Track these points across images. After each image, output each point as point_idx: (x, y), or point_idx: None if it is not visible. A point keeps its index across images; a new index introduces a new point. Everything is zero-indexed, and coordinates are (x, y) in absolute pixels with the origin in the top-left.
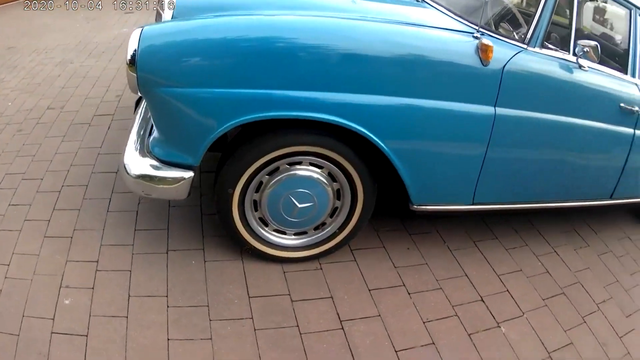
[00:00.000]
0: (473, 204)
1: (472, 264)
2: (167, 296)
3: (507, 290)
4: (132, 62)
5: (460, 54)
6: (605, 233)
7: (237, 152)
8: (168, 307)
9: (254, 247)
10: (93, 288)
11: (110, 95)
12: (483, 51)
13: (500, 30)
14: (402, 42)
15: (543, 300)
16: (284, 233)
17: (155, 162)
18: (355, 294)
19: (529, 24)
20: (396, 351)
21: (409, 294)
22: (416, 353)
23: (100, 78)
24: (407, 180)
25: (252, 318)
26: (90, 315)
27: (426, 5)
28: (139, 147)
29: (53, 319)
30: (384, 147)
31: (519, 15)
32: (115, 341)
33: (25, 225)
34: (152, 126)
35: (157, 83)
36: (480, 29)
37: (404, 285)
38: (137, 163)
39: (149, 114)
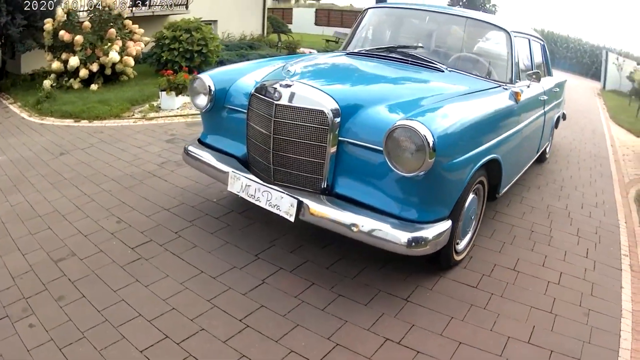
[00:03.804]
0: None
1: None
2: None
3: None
4: (432, 148)
5: (508, 101)
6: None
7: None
8: None
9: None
10: None
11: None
12: (517, 95)
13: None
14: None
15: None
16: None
17: (420, 225)
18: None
19: (505, 69)
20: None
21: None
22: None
23: (90, 207)
24: (503, 177)
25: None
26: None
27: (456, 74)
28: (383, 219)
29: None
30: (501, 161)
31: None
32: None
33: None
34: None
35: (441, 162)
36: (504, 84)
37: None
38: (399, 232)
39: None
